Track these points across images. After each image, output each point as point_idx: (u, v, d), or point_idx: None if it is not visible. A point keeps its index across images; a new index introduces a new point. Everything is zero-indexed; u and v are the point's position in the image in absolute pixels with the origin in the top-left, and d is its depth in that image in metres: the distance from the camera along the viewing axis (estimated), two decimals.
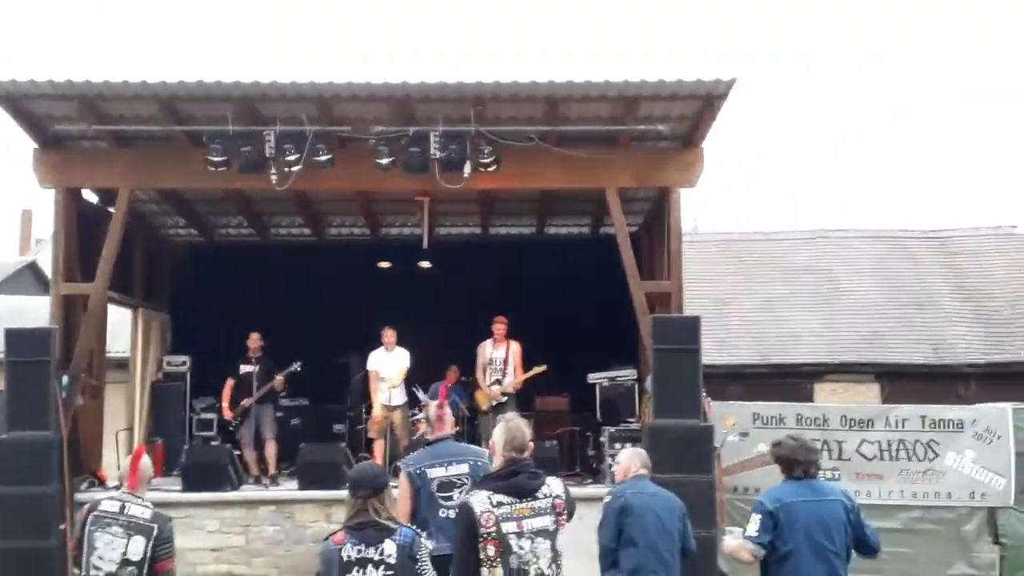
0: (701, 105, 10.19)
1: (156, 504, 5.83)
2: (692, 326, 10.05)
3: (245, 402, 11.61)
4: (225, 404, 11.81)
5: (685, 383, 9.82)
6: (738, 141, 51.54)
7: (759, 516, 5.30)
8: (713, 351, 14.41)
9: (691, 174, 10.74)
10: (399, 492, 5.47)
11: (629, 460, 6.33)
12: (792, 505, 5.26)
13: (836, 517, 5.33)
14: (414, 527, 4.56)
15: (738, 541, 5.41)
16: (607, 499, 6.09)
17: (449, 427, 5.79)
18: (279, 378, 11.69)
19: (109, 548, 5.42)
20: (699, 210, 43.79)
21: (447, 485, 5.44)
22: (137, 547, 5.43)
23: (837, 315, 16.55)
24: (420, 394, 11.05)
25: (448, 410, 5.88)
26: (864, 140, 54.50)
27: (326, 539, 4.47)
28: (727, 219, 33.95)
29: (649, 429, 9.94)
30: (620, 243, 10.71)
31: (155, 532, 5.49)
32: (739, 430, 10.58)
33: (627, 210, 11.59)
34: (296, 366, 11.78)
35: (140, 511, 5.56)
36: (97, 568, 5.41)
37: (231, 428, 11.93)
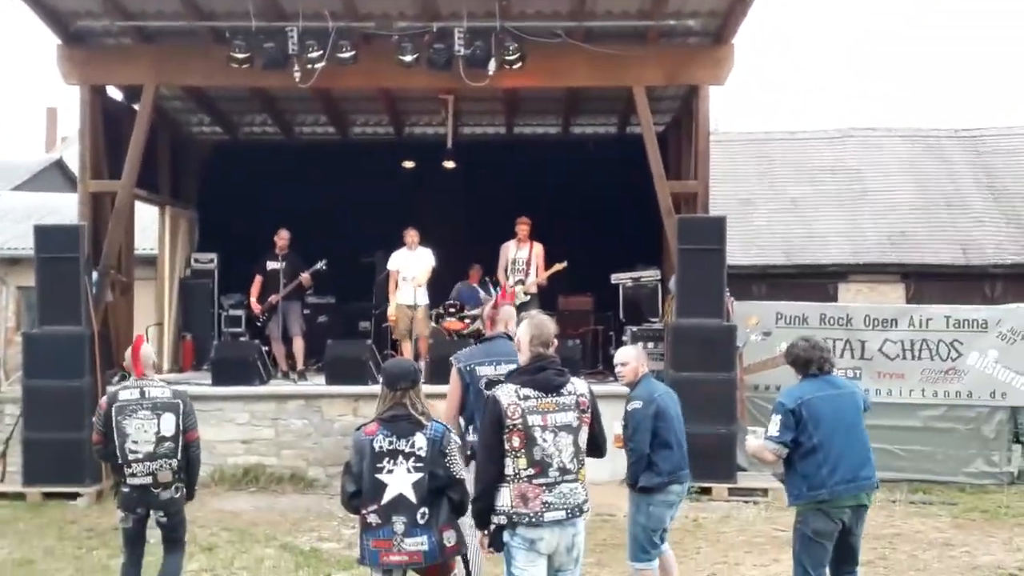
0: None
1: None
2: (718, 226, 10.00)
3: (272, 298, 11.67)
4: (253, 299, 11.88)
5: (709, 283, 9.83)
6: (762, 37, 50.28)
7: (779, 416, 5.33)
8: (738, 251, 14.37)
9: (720, 71, 10.53)
10: (450, 386, 5.56)
11: (638, 360, 6.09)
12: (812, 401, 5.30)
13: (855, 405, 5.43)
14: (445, 423, 4.60)
15: (760, 441, 5.44)
16: (636, 404, 5.83)
17: (503, 327, 5.72)
18: (305, 275, 11.72)
19: (141, 431, 5.67)
20: (721, 109, 43.09)
21: (494, 383, 5.40)
22: (169, 423, 5.73)
23: (863, 215, 16.38)
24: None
25: (504, 310, 5.81)
26: (895, 37, 53.13)
27: (358, 429, 4.54)
28: (749, 118, 33.36)
29: (672, 329, 9.98)
30: (647, 142, 10.58)
31: (181, 407, 5.80)
32: (762, 329, 10.62)
33: (654, 109, 11.42)
34: (322, 264, 11.81)
35: (160, 392, 5.81)
36: (134, 452, 5.66)
37: (259, 324, 12.04)
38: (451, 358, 5.71)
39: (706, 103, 10.62)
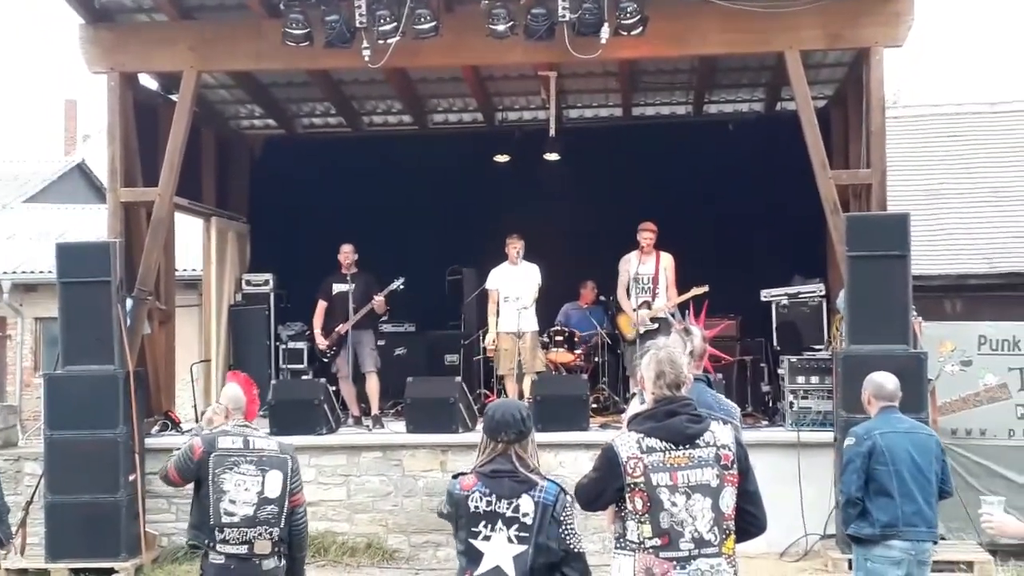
0: None
1: None
2: (899, 226, 9.85)
3: (340, 328, 11.88)
4: (317, 330, 12.09)
5: (889, 299, 9.69)
6: None
7: None
8: (925, 258, 14.06)
9: (897, 28, 10.37)
10: (625, 419, 5.57)
11: (869, 389, 6.54)
12: None
13: None
14: (560, 484, 4.64)
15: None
16: (849, 440, 6.35)
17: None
18: (379, 299, 11.87)
19: (241, 489, 5.76)
20: (902, 77, 42.27)
21: None
22: (275, 483, 5.81)
23: None
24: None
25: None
26: None
27: (455, 477, 4.63)
28: (936, 88, 32.54)
29: (842, 358, 9.84)
30: (803, 122, 10.48)
31: (290, 464, 5.90)
32: (960, 357, 10.40)
33: (812, 79, 11.32)
34: (399, 283, 11.97)
35: (265, 443, 5.93)
36: (231, 514, 5.75)
37: (325, 359, 12.27)
38: (635, 390, 5.72)
39: (879, 70, 10.47)
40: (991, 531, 5.57)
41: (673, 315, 11.29)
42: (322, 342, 12.02)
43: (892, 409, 6.44)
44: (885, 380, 6.53)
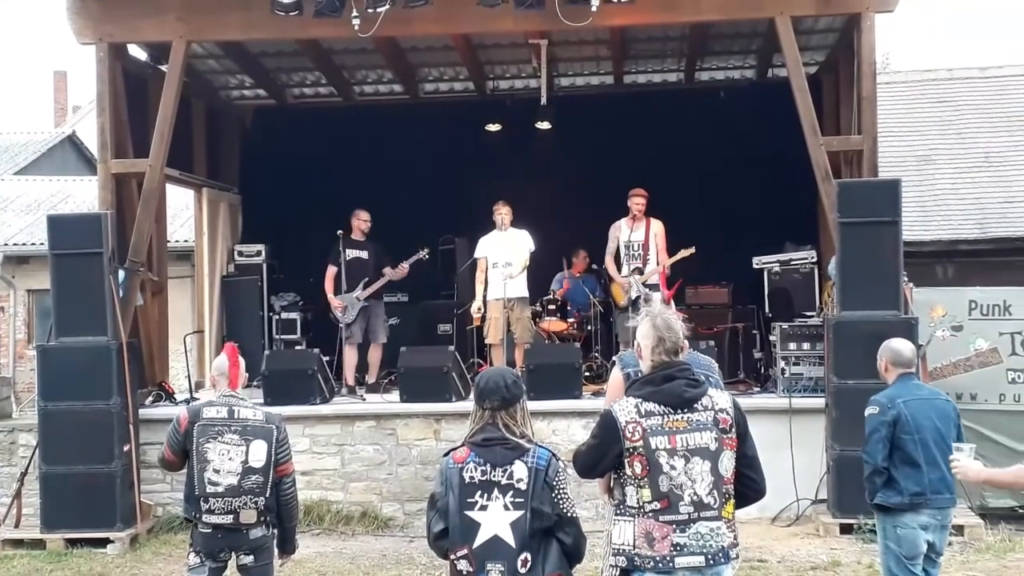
0: None
1: None
2: (890, 192, 9.85)
3: (359, 293, 11.84)
4: (330, 294, 11.98)
5: (880, 265, 9.70)
6: None
7: None
8: (917, 224, 14.09)
9: None
10: (609, 386, 5.61)
11: (887, 357, 6.43)
12: None
13: None
14: (551, 449, 4.63)
15: (1010, 469, 5.40)
16: (872, 409, 6.27)
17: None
18: (404, 266, 11.92)
19: (226, 459, 5.78)
20: (893, 42, 42.24)
21: None
22: (259, 452, 5.82)
23: None
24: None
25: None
26: None
27: (446, 455, 4.62)
28: (926, 53, 32.61)
29: (833, 324, 9.86)
30: (795, 88, 10.45)
31: (275, 434, 5.90)
32: (950, 322, 10.42)
33: (803, 45, 11.30)
34: (424, 253, 12.02)
35: (251, 413, 5.94)
36: (215, 483, 5.76)
37: (339, 323, 12.07)
38: (614, 358, 5.72)
39: (871, 35, 10.43)
40: (958, 474, 5.60)
41: (648, 289, 11.23)
42: (337, 304, 11.96)
43: (910, 376, 6.40)
44: (902, 347, 6.48)
